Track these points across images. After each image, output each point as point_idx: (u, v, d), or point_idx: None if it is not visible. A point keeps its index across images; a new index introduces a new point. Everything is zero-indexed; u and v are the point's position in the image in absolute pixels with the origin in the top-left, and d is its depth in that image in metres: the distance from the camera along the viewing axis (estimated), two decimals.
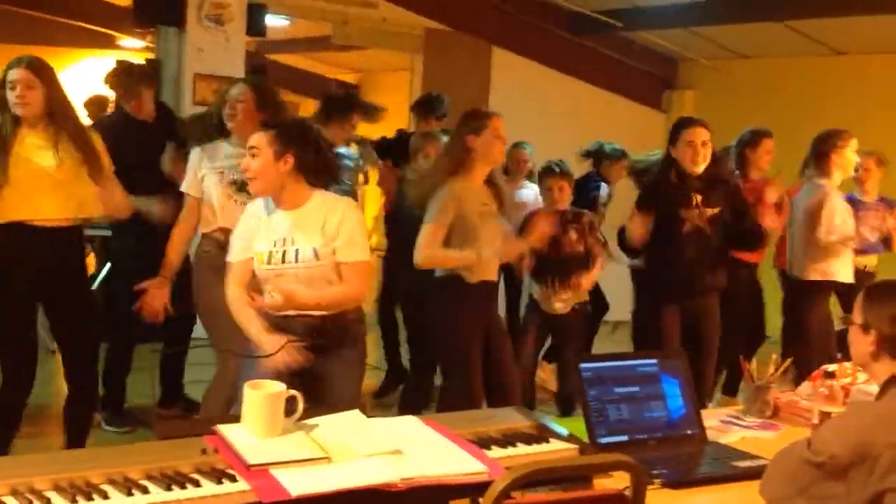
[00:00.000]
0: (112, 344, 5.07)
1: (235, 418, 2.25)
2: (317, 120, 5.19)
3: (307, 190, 3.16)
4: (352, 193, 5.25)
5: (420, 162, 5.05)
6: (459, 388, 4.09)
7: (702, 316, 4.47)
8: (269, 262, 3.11)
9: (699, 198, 4.36)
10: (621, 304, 6.07)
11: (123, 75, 5.09)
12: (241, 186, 3.92)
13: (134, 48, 11.20)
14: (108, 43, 11.34)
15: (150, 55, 8.09)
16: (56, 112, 3.70)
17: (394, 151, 5.78)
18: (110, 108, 8.79)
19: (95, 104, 8.65)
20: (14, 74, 3.65)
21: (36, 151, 3.67)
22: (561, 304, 5.00)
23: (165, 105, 5.52)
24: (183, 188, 4.10)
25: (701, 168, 4.35)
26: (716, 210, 4.40)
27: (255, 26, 7.05)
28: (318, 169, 3.19)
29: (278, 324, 3.12)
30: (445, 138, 4.82)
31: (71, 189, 3.73)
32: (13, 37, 10.13)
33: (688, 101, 9.22)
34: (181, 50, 6.78)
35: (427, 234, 3.98)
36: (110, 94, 9.39)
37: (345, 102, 5.45)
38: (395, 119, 9.07)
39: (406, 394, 5.30)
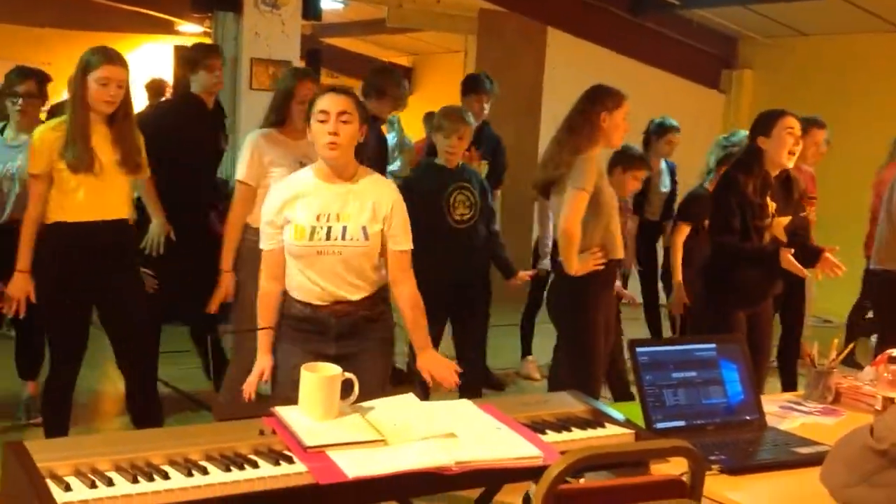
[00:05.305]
0: None
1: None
2: (366, 93, 5.10)
3: (356, 163, 3.02)
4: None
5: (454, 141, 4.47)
6: (582, 373, 3.98)
7: (758, 316, 4.33)
8: (310, 238, 2.89)
9: (774, 206, 4.17)
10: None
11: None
12: None
13: (192, 33, 11.34)
14: (166, 28, 11.51)
15: (208, 40, 8.19)
16: (124, 110, 3.68)
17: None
18: (168, 93, 8.94)
19: (154, 89, 8.76)
20: (109, 71, 3.58)
21: (104, 149, 3.66)
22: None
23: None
24: (240, 177, 3.99)
25: (793, 163, 4.21)
26: (788, 218, 4.24)
27: (310, 10, 7.09)
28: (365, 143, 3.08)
29: (310, 315, 2.97)
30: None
31: (128, 187, 3.79)
32: (75, 23, 10.34)
33: (747, 80, 9.07)
34: (238, 34, 6.84)
35: (577, 200, 3.83)
36: (168, 80, 9.56)
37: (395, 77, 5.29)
38: (448, 100, 9.07)
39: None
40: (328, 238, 2.90)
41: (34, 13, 10.29)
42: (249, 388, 2.95)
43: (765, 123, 4.16)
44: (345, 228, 2.90)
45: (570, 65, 8.26)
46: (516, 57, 7.98)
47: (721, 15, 8.58)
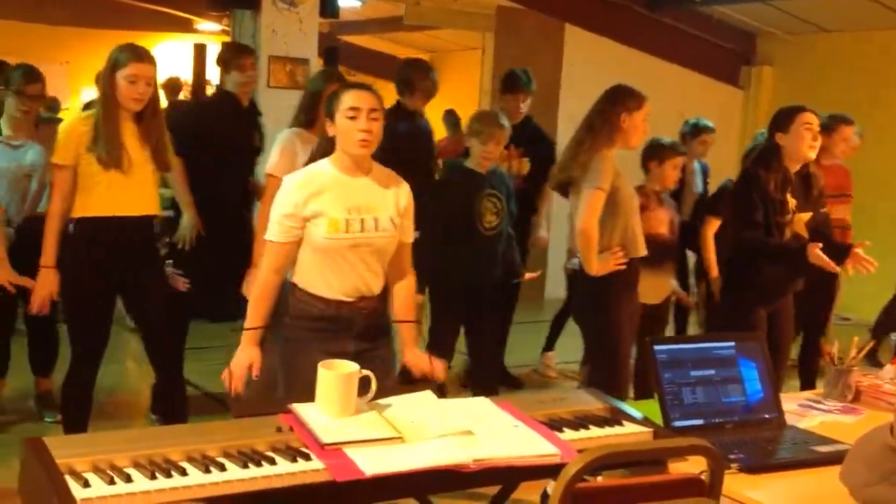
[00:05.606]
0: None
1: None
2: (399, 89, 5.10)
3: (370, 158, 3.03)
4: None
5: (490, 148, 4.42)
6: (607, 373, 3.95)
7: (778, 313, 4.29)
8: (346, 231, 2.87)
9: (794, 202, 4.12)
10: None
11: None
12: None
13: (210, 31, 11.37)
14: (185, 26, 11.54)
15: (226, 38, 8.21)
16: (152, 108, 3.70)
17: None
18: (184, 92, 8.96)
19: (170, 87, 8.80)
20: (137, 69, 3.59)
21: (133, 146, 3.67)
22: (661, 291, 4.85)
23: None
24: (272, 170, 3.92)
25: (814, 156, 4.16)
26: (809, 214, 4.19)
27: (328, 8, 7.10)
28: None
29: (332, 314, 2.91)
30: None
31: (154, 184, 3.79)
32: (93, 21, 10.37)
33: (766, 76, 9.02)
34: (256, 32, 6.85)
35: (593, 199, 3.83)
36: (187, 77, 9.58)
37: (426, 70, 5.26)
38: (466, 98, 9.07)
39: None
40: (362, 230, 2.90)
41: (52, 11, 10.33)
42: (236, 381, 2.88)
43: (783, 120, 4.13)
44: (376, 220, 2.92)
45: (588, 62, 8.23)
46: (534, 54, 7.95)
47: (740, 11, 8.54)
